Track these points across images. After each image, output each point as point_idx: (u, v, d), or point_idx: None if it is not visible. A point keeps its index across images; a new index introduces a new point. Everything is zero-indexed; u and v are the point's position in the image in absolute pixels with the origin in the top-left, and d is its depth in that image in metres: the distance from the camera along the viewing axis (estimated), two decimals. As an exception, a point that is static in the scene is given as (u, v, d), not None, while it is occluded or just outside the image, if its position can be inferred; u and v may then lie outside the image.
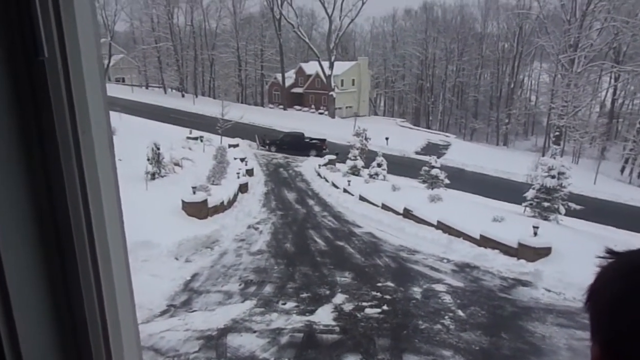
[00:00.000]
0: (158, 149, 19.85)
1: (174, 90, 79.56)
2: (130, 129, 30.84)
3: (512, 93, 70.91)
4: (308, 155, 37.56)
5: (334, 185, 26.72)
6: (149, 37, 75.01)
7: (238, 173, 24.95)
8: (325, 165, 33.18)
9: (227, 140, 39.83)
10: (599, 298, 0.80)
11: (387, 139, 47.55)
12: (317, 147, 39.67)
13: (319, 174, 31.06)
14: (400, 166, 39.85)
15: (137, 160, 19.58)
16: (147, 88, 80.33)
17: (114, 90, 66.67)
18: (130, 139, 25.01)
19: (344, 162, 33.97)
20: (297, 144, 40.16)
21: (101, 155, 0.91)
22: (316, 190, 26.70)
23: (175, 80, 76.43)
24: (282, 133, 49.10)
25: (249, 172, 29.04)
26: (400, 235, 16.16)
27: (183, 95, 74.07)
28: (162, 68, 75.43)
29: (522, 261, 12.91)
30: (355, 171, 30.12)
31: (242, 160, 31.68)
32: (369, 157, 33.50)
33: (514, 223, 15.51)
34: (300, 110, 68.51)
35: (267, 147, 41.97)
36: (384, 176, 29.40)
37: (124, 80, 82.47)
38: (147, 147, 19.75)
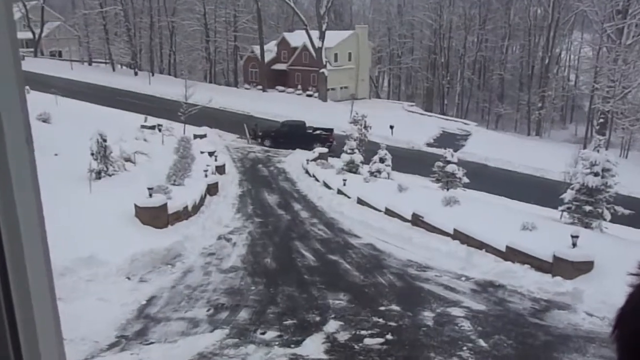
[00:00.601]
0: (104, 140, 19.77)
1: (124, 67, 79.12)
2: (69, 115, 30.67)
3: (547, 70, 71.40)
4: (312, 150, 37.80)
5: (325, 185, 26.82)
6: (92, 0, 74.35)
7: (206, 171, 24.98)
8: (314, 160, 33.29)
9: (192, 130, 39.81)
10: (628, 325, 0.77)
11: (391, 127, 47.84)
12: (323, 139, 39.55)
13: (307, 171, 31.18)
14: (408, 161, 40.06)
15: (78, 155, 19.47)
16: (90, 64, 79.69)
17: (48, 66, 66.23)
18: (69, 129, 24.91)
19: (338, 156, 34.08)
20: (298, 136, 40.19)
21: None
22: (303, 191, 26.82)
23: (125, 54, 75.96)
24: (262, 121, 49.29)
25: (220, 170, 29.09)
26: (407, 247, 16.28)
27: (136, 73, 73.73)
28: (109, 39, 74.66)
29: (558, 278, 13.05)
30: (352, 168, 30.24)
31: (211, 154, 31.71)
32: (369, 150, 33.65)
33: (548, 231, 15.68)
34: (283, 91, 68.63)
35: (259, 139, 42.15)
36: (388, 174, 29.57)
37: (60, 55, 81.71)
38: (91, 138, 19.65)
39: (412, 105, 69.86)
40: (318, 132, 40.69)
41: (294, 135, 40.19)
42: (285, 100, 61.00)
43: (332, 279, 13.57)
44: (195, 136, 38.07)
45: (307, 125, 41.58)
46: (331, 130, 40.24)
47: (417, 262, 14.98)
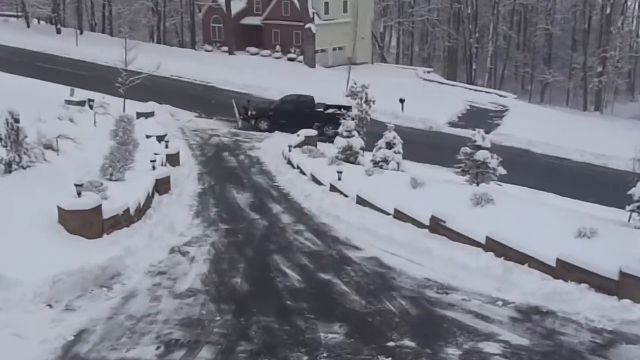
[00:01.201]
0: (16, 121, 19.56)
1: (42, 22, 78.61)
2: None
3: (608, 24, 71.46)
4: (323, 134, 37.68)
5: (314, 179, 26.91)
6: None
7: (154, 161, 24.98)
8: (299, 146, 33.34)
9: (135, 106, 39.78)
10: None
11: (402, 101, 48.01)
12: (336, 120, 39.49)
13: (289, 161, 31.28)
14: (425, 147, 40.18)
15: (-19, 141, 19.36)
16: (-4, 18, 79.19)
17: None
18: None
19: (331, 140, 34.10)
20: (304, 116, 40.22)
21: None
22: (285, 188, 26.96)
23: (44, 4, 75.46)
24: (227, 94, 49.24)
25: (173, 160, 29.19)
26: (425, 262, 16.26)
27: (59, 31, 73.26)
28: (22, -16, 74.25)
29: (627, 302, 13.06)
30: (349, 156, 30.28)
31: (160, 138, 31.72)
32: (372, 132, 33.66)
33: (612, 239, 15.69)
34: (257, 54, 68.74)
35: (252, 121, 42.47)
36: (398, 164, 29.69)
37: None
38: (-2, 117, 19.49)
39: (429, 72, 70.08)
40: (331, 110, 40.86)
41: (299, 115, 40.13)
42: (260, 66, 61.13)
43: (324, 306, 13.52)
44: (139, 115, 38.06)
45: (317, 102, 41.89)
46: (348, 108, 40.11)
47: (437, 281, 14.97)
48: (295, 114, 40.24)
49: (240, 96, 49.77)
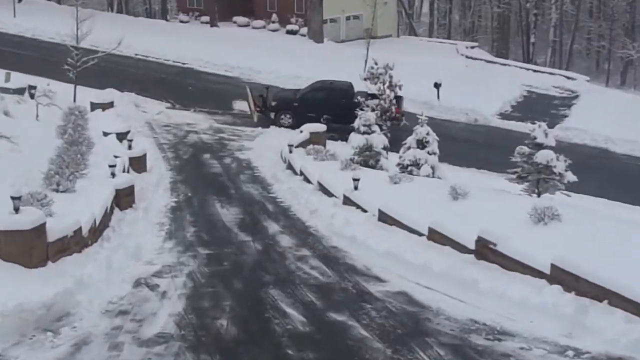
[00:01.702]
0: None
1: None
2: None
3: None
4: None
5: (322, 189, 27.00)
6: None
7: (113, 166, 24.97)
8: (302, 145, 33.33)
9: (89, 94, 39.78)
10: None
11: (438, 86, 47.91)
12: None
13: (290, 166, 31.31)
14: (469, 146, 40.09)
15: None
16: None
17: None
18: None
19: (344, 138, 34.03)
20: (339, 108, 40.09)
21: None
22: (284, 200, 27.08)
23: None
24: (208, 76, 49.25)
25: (138, 164, 29.33)
26: (470, 298, 16.22)
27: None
28: None
29: None
30: (369, 158, 30.31)
31: (122, 136, 31.72)
32: (399, 128, 33.49)
33: None
34: (246, 25, 68.99)
35: (272, 114, 42.52)
36: (433, 168, 29.65)
37: None
38: None
39: (472, 48, 70.00)
40: (376, 101, 40.52)
41: (333, 107, 39.98)
42: (250, 42, 61.28)
43: (337, 356, 13.49)
44: (95, 106, 38.13)
45: (355, 90, 41.74)
46: (398, 99, 39.89)
47: (486, 324, 14.90)
48: (327, 106, 40.05)
49: (225, 81, 49.90)
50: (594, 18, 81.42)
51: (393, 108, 36.36)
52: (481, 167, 35.53)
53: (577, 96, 54.88)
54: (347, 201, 24.70)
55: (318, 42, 63.77)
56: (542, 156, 26.34)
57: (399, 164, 29.89)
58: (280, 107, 42.17)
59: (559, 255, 16.29)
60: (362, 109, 32.53)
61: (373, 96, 39.51)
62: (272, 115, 42.21)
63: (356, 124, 31.55)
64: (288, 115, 41.67)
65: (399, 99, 40.02)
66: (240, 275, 18.34)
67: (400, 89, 35.04)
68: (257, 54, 56.23)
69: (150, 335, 14.26)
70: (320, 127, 36.27)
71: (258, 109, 42.71)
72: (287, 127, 40.81)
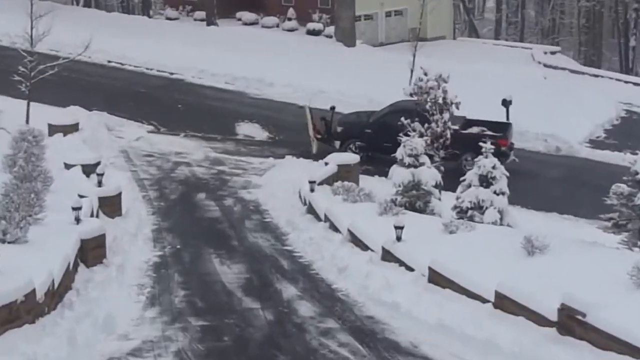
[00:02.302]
0: None
1: None
2: None
3: None
4: (462, 167, 37.50)
5: (355, 239, 26.88)
6: None
7: (78, 209, 24.84)
8: (327, 181, 33.25)
9: (48, 114, 39.81)
10: None
11: (507, 104, 47.57)
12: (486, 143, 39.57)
13: (310, 209, 31.14)
14: (548, 182, 39.83)
15: None
16: None
17: None
18: None
19: (383, 173, 33.88)
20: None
21: None
22: (304, 254, 26.93)
23: None
24: (215, 92, 49.43)
25: (110, 206, 29.33)
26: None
27: None
28: None
29: None
30: (417, 199, 30.15)
31: (90, 170, 31.64)
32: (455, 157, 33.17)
33: None
34: (254, 24, 69.49)
35: (339, 142, 42.25)
36: (501, 213, 29.43)
37: None
38: None
39: (553, 53, 69.92)
40: (475, 129, 41.11)
41: None
42: (260, 44, 61.37)
43: None
44: (54, 129, 38.06)
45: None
46: (506, 126, 39.80)
47: None
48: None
49: (225, 96, 50.03)
50: None
51: (448, 132, 36.12)
52: (565, 212, 35.27)
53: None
54: (387, 256, 24.47)
55: (349, 46, 63.87)
56: (646, 198, 26.20)
57: (455, 207, 29.66)
58: (348, 134, 41.78)
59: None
60: (406, 134, 32.24)
61: (470, 123, 40.14)
62: (337, 144, 41.81)
63: (399, 153, 31.17)
64: (358, 145, 41.41)
65: (505, 125, 40.29)
66: (245, 355, 18.26)
67: (457, 107, 34.79)
68: (268, 61, 56.21)
69: None
70: (352, 158, 36.08)
71: (319, 136, 42.47)
72: (364, 158, 39.78)
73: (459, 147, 38.21)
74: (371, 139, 40.88)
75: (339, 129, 42.25)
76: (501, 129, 40.27)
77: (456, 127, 39.59)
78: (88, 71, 48.56)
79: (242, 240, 28.85)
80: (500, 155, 37.49)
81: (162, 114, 47.85)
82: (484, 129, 40.50)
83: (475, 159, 34.88)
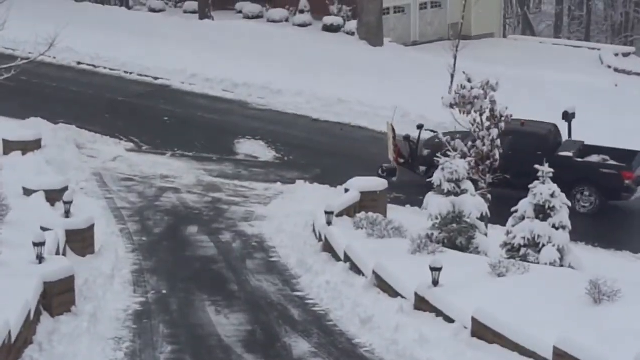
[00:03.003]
0: None
1: None
2: None
3: None
4: (575, 201, 37.57)
5: (381, 283, 26.72)
6: None
7: (40, 245, 24.82)
8: (347, 212, 33.25)
9: (3, 128, 39.92)
10: None
11: (569, 117, 47.22)
12: (605, 179, 39.77)
13: (327, 245, 30.95)
14: (620, 214, 39.60)
15: None
16: None
17: None
18: None
19: (416, 202, 33.82)
20: (532, 164, 39.15)
21: None
22: (319, 302, 26.90)
23: None
24: (199, 99, 49.63)
25: (81, 241, 29.29)
26: None
27: None
28: None
29: None
30: (458, 233, 29.99)
31: (55, 196, 31.72)
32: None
33: None
34: (259, 17, 69.75)
35: (424, 167, 41.65)
36: (561, 251, 29.14)
37: None
38: None
39: (626, 56, 69.87)
40: (595, 158, 41.09)
41: (522, 163, 39.39)
42: (266, 43, 61.57)
43: None
44: (11, 146, 38.15)
45: (562, 138, 42.09)
46: (632, 155, 39.84)
47: None
48: (513, 160, 39.50)
49: (222, 107, 50.12)
50: None
51: (497, 152, 35.79)
52: (639, 250, 35.30)
53: None
54: (421, 304, 24.41)
55: (375, 45, 64.04)
56: None
57: (505, 244, 29.53)
58: (434, 158, 41.30)
59: None
60: (445, 155, 32.04)
61: (589, 150, 40.39)
62: (423, 170, 41.57)
63: (436, 178, 31.01)
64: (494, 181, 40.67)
65: (631, 154, 40.31)
66: None
67: (508, 120, 34.64)
68: (275, 64, 56.23)
69: None
70: (378, 184, 35.88)
71: (402, 159, 42.33)
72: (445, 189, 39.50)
73: (573, 179, 38.58)
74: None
75: (426, 152, 41.81)
76: (626, 158, 40.09)
77: (569, 154, 40.09)
78: (53, 75, 48.68)
79: (242, 284, 28.77)
80: (623, 190, 38.51)
81: (145, 128, 47.86)
82: (606, 157, 40.44)
83: (592, 195, 37.11)
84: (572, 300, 22.41)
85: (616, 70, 63.98)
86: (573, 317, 21.23)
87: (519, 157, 38.97)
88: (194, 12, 69.05)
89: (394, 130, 42.08)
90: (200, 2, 69.01)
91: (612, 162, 39.84)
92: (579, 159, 40.38)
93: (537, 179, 34.21)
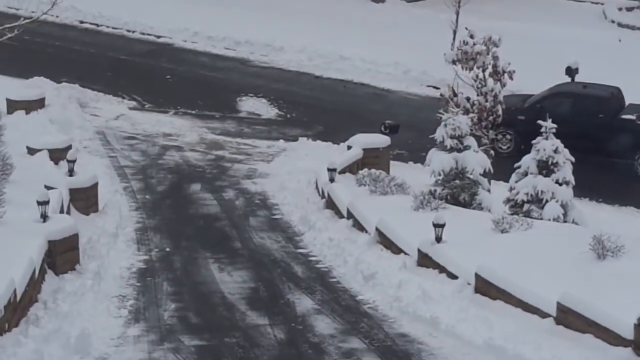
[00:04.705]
0: None
1: None
2: None
3: None
4: (634, 168, 37.36)
5: (385, 240, 26.75)
6: None
7: (44, 203, 24.69)
8: (350, 169, 33.12)
9: (6, 87, 39.80)
10: None
11: (572, 72, 47.07)
12: None
13: (330, 202, 30.97)
14: (626, 168, 39.49)
15: None
16: None
17: None
18: None
19: (419, 159, 33.71)
20: (595, 128, 39.17)
21: None
22: (322, 258, 26.88)
23: None
24: (200, 56, 49.49)
25: (84, 200, 29.35)
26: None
27: None
28: None
29: None
30: (461, 190, 29.92)
31: (58, 155, 31.71)
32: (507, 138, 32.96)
33: None
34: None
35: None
36: (564, 206, 29.03)
37: None
38: None
39: (630, 10, 69.55)
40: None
41: (584, 126, 39.43)
42: (265, 0, 61.02)
43: None
44: (14, 105, 38.09)
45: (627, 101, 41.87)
46: None
47: None
48: (574, 123, 39.21)
49: (225, 64, 50.01)
50: None
51: (499, 108, 35.51)
52: (642, 205, 35.27)
53: None
54: (424, 260, 24.39)
55: (377, 1, 63.82)
56: None
57: (509, 200, 29.48)
58: (510, 122, 41.02)
59: None
60: (446, 111, 31.90)
61: None
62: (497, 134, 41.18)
63: (438, 134, 30.86)
64: (508, 136, 40.83)
65: None
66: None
67: (511, 77, 34.45)
68: (277, 21, 56.04)
69: None
70: (380, 140, 35.87)
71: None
72: (505, 153, 39.60)
73: (636, 142, 38.57)
74: (524, 129, 39.22)
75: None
76: None
77: (632, 117, 39.73)
78: (56, 34, 48.54)
79: (245, 241, 28.77)
80: None
81: (147, 86, 47.92)
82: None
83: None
84: (576, 256, 22.32)
85: (619, 24, 63.76)
86: (577, 273, 21.17)
87: (581, 120, 39.21)
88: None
89: (454, 91, 41.58)
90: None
91: None
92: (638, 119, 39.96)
93: (605, 143, 34.98)
